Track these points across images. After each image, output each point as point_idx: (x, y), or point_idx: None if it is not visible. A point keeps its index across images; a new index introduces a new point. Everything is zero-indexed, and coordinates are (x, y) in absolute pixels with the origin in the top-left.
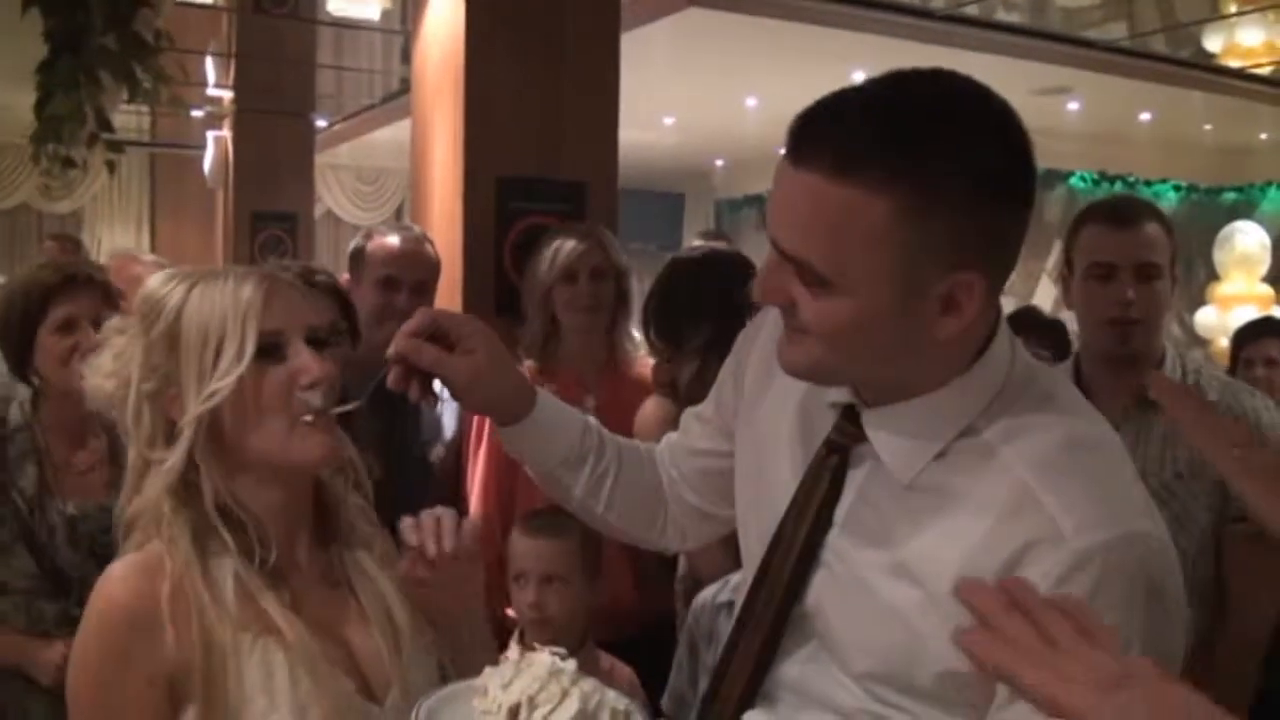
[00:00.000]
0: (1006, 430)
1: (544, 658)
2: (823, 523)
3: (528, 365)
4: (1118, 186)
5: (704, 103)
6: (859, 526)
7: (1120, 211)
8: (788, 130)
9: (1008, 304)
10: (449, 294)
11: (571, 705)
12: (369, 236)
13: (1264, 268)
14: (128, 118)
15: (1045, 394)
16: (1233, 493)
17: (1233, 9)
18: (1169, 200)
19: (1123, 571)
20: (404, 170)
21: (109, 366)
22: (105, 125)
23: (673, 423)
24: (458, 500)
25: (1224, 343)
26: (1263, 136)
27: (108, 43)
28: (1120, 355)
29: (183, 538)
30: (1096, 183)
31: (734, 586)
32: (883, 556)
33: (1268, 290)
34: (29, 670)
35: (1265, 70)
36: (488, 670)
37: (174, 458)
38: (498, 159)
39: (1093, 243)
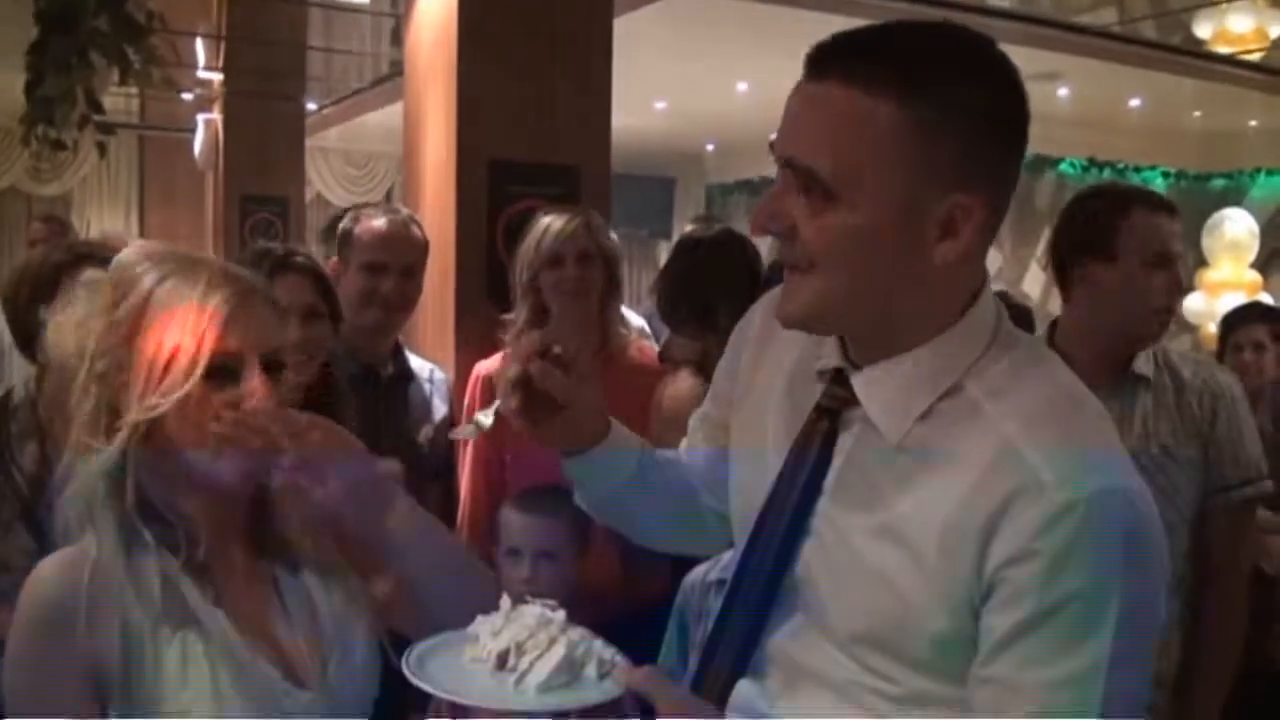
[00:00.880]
0: (992, 388)
1: (534, 608)
2: (811, 490)
3: (510, 344)
4: (1107, 173)
5: (695, 87)
6: (847, 492)
7: (1165, 200)
8: (805, 56)
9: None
10: (441, 278)
11: (558, 652)
12: (356, 219)
13: (1252, 254)
14: (117, 100)
15: (1029, 354)
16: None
17: None
18: (1158, 186)
19: (1104, 523)
20: (394, 154)
21: (72, 323)
22: (96, 107)
23: (702, 399)
24: (448, 480)
25: (1212, 328)
26: (1252, 123)
27: (100, 24)
28: (1152, 339)
29: (109, 529)
30: (1086, 169)
31: (724, 565)
32: (869, 520)
33: (1256, 276)
34: None
35: (1255, 57)
36: (479, 619)
37: (106, 456)
38: (490, 143)
39: (1151, 231)
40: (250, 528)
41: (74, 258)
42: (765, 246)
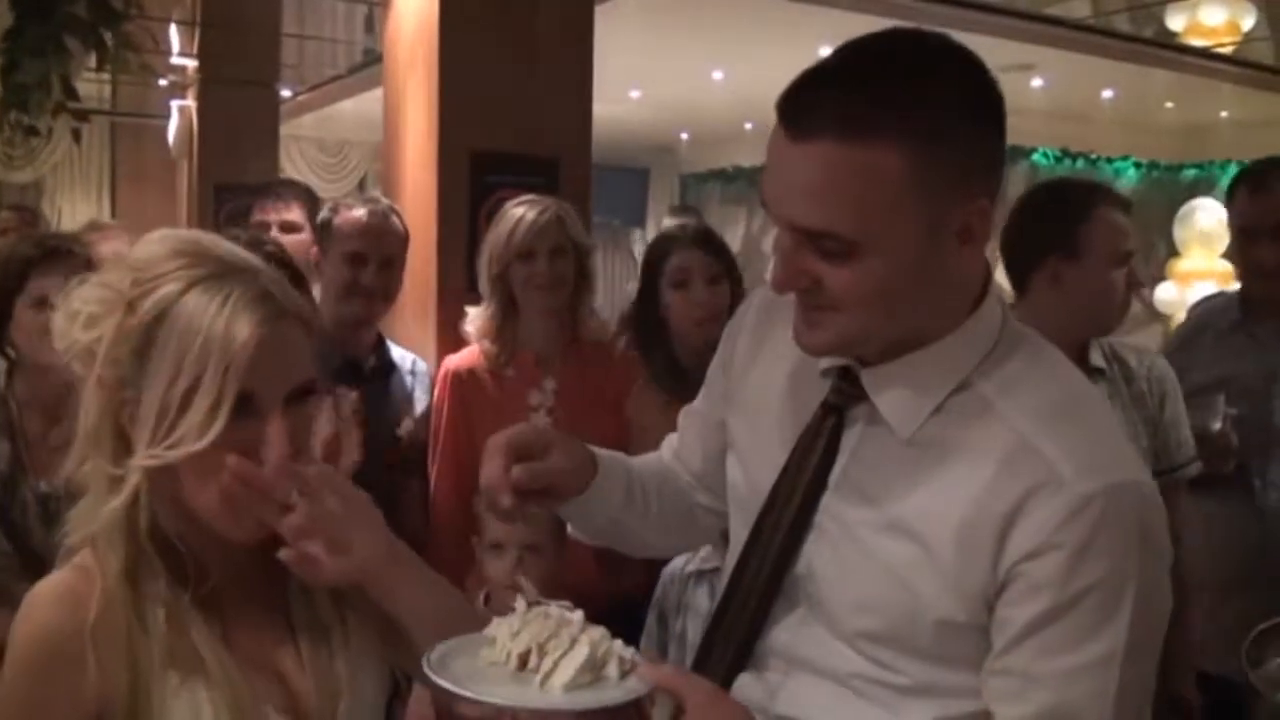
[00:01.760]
0: (1002, 384)
1: (552, 609)
2: (817, 486)
3: (482, 346)
4: (1080, 164)
5: (670, 76)
6: (853, 487)
7: (1123, 197)
8: (777, 108)
9: None
10: (423, 269)
11: (581, 651)
12: (336, 210)
13: (1223, 244)
14: (89, 86)
15: (1036, 350)
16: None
17: None
18: (1130, 177)
19: (1119, 515)
20: (367, 142)
21: (74, 324)
22: (71, 94)
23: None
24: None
25: (1182, 317)
26: (1223, 115)
27: (76, 10)
28: (1108, 332)
29: (115, 560)
30: (1059, 159)
31: (703, 557)
32: (878, 515)
33: (1227, 266)
34: None
35: (1227, 49)
36: (495, 620)
37: (112, 503)
38: (471, 133)
39: (1114, 230)
40: (265, 566)
41: (44, 252)
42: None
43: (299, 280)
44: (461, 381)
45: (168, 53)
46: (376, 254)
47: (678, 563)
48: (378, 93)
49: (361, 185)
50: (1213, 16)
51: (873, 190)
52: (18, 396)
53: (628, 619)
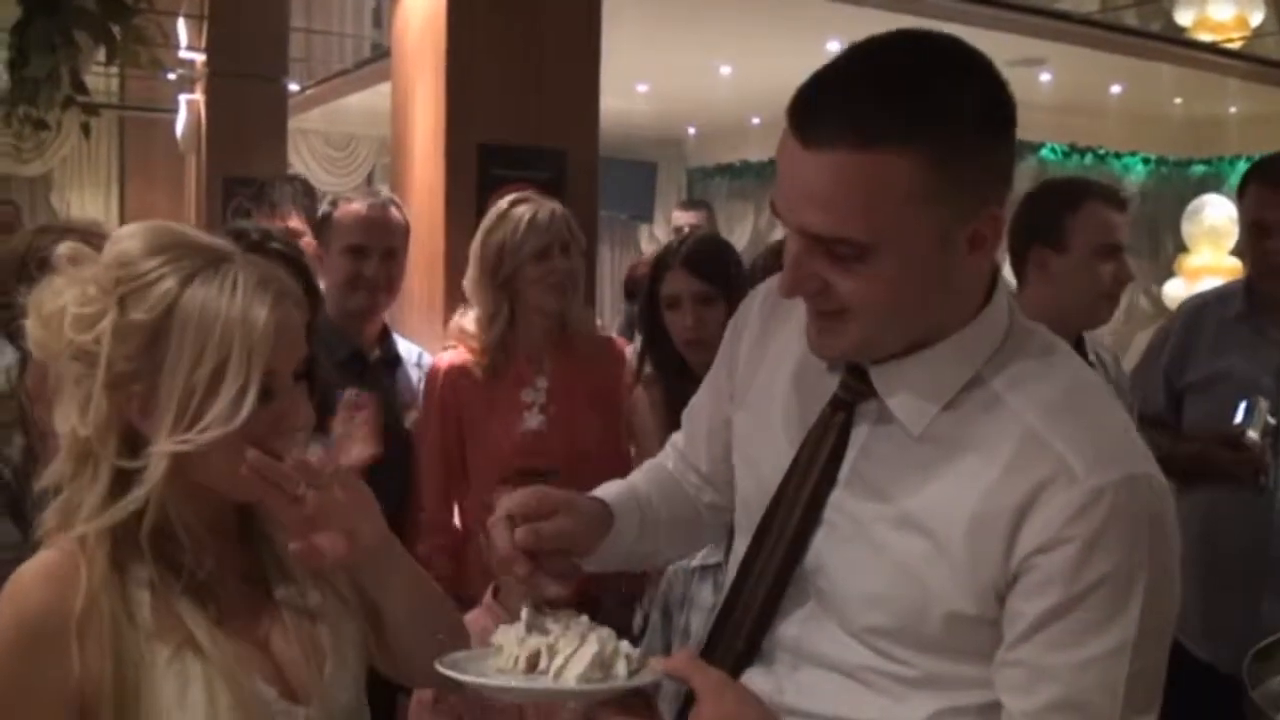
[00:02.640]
0: (1012, 379)
1: (558, 613)
2: (826, 481)
3: (475, 353)
4: (1088, 159)
5: (678, 70)
6: (863, 482)
7: (1116, 193)
8: (788, 114)
9: None
10: (430, 262)
11: (590, 649)
12: (335, 204)
13: (1231, 240)
14: (97, 80)
15: (1045, 344)
16: None
17: None
18: (1138, 173)
19: (1130, 508)
20: (375, 136)
21: (61, 326)
22: (80, 87)
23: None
24: None
25: None
26: (1232, 110)
27: (85, 3)
28: (1099, 323)
29: (103, 547)
30: (1067, 155)
31: (706, 552)
32: (888, 509)
33: (1235, 262)
34: None
35: (1235, 44)
36: (500, 628)
37: (138, 491)
38: (479, 126)
39: (1100, 223)
40: (244, 537)
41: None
42: (745, 234)
43: (308, 275)
44: (454, 380)
45: (176, 47)
46: (378, 246)
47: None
48: (386, 87)
49: (369, 179)
50: (1221, 11)
51: (886, 197)
52: (29, 389)
53: (619, 607)
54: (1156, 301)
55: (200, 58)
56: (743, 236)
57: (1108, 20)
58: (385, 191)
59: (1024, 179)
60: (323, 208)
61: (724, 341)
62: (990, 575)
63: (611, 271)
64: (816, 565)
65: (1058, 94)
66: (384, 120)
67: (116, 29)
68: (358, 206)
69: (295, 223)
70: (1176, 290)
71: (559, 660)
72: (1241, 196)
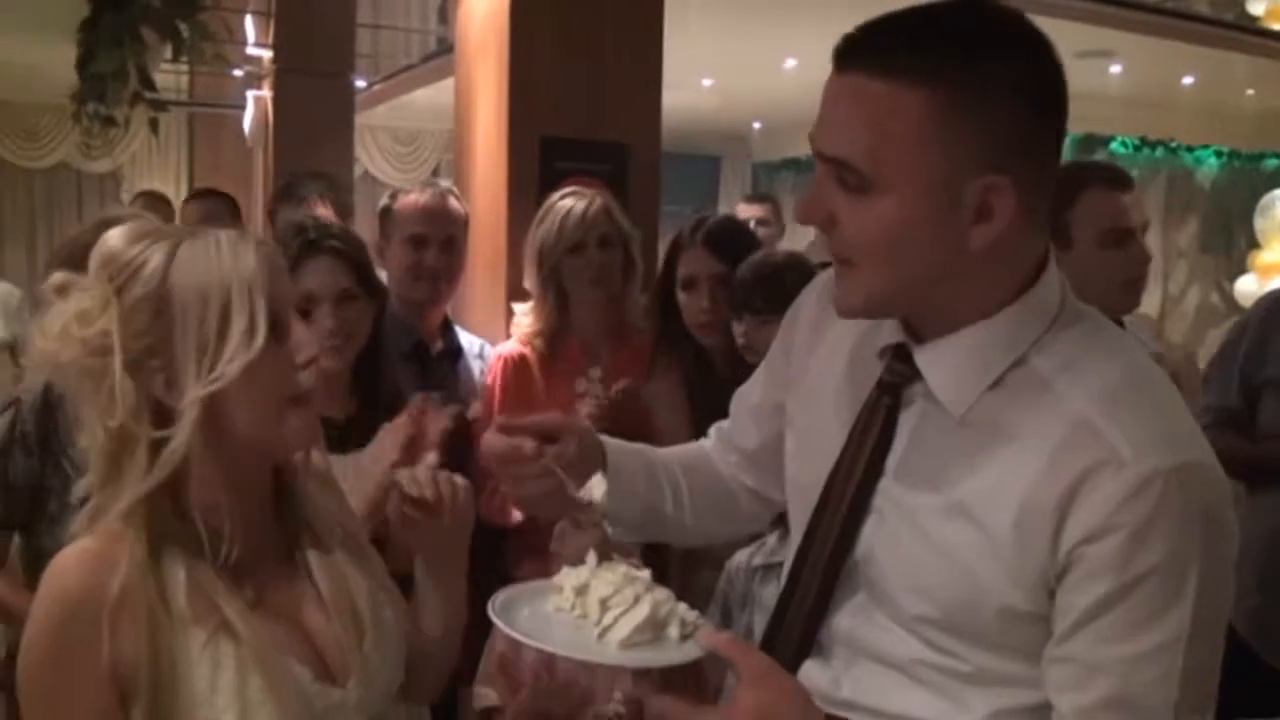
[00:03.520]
0: (1061, 362)
1: (620, 565)
2: (874, 470)
3: (533, 344)
4: (1159, 152)
5: (743, 64)
6: (911, 471)
7: (1118, 173)
8: (833, 52)
9: None
10: (493, 255)
11: (643, 610)
12: (395, 196)
13: None
14: (166, 77)
15: (1097, 329)
16: None
17: None
18: (1210, 166)
19: (1181, 496)
20: (440, 131)
21: (69, 330)
22: (148, 84)
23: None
24: None
25: None
26: None
27: (152, 1)
28: (1125, 312)
29: (140, 534)
30: (1138, 148)
31: (770, 549)
32: (938, 499)
33: None
34: None
35: None
36: (564, 570)
37: (177, 440)
38: (541, 119)
39: (1101, 211)
40: (278, 516)
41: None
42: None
43: (367, 270)
44: (513, 370)
45: (243, 43)
46: (437, 235)
47: (741, 556)
48: (450, 82)
49: (435, 173)
50: None
51: (892, 126)
52: None
53: None
54: (1229, 298)
55: (267, 54)
56: (808, 231)
57: (1179, 9)
58: (445, 183)
59: None
60: (383, 201)
61: (781, 328)
62: (1039, 567)
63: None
64: (867, 555)
65: (1128, 86)
66: (448, 115)
67: (183, 26)
68: (416, 197)
69: (322, 210)
70: (1249, 287)
71: (609, 617)
72: None
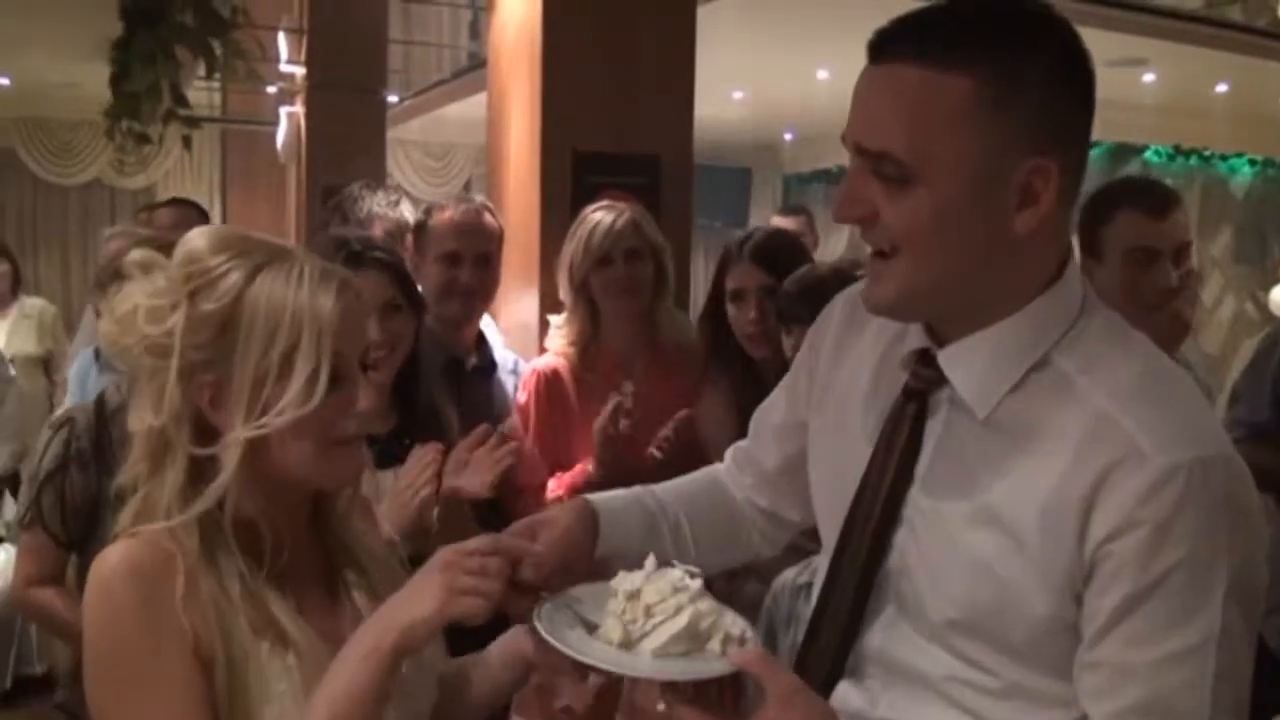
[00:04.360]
0: (1083, 361)
1: (674, 572)
2: (903, 480)
3: (566, 355)
4: (1193, 160)
5: (774, 76)
6: (939, 479)
7: (1158, 196)
8: (867, 46)
9: None
10: (526, 269)
11: (681, 620)
12: (429, 212)
13: None
14: (199, 94)
15: (1118, 328)
16: None
17: None
18: (1244, 175)
19: (1205, 490)
20: (472, 145)
21: (136, 320)
22: (181, 101)
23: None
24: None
25: None
26: None
27: (186, 19)
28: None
29: (192, 538)
30: (1172, 157)
31: (814, 568)
32: (966, 505)
33: None
34: None
35: None
36: (621, 574)
37: (221, 478)
38: (574, 132)
39: (1132, 231)
40: (315, 533)
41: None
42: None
43: (409, 283)
44: (546, 384)
45: (276, 60)
46: (471, 251)
47: (789, 574)
48: (482, 97)
49: (467, 188)
50: None
51: (935, 114)
52: None
53: None
54: (1263, 308)
55: (300, 71)
56: (839, 243)
57: (1212, 16)
58: (479, 198)
59: None
60: (418, 216)
61: (803, 347)
62: (1066, 570)
63: (705, 278)
64: (899, 567)
65: (1162, 94)
66: (480, 129)
67: (216, 44)
68: (451, 213)
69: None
70: None
71: (649, 625)
72: None
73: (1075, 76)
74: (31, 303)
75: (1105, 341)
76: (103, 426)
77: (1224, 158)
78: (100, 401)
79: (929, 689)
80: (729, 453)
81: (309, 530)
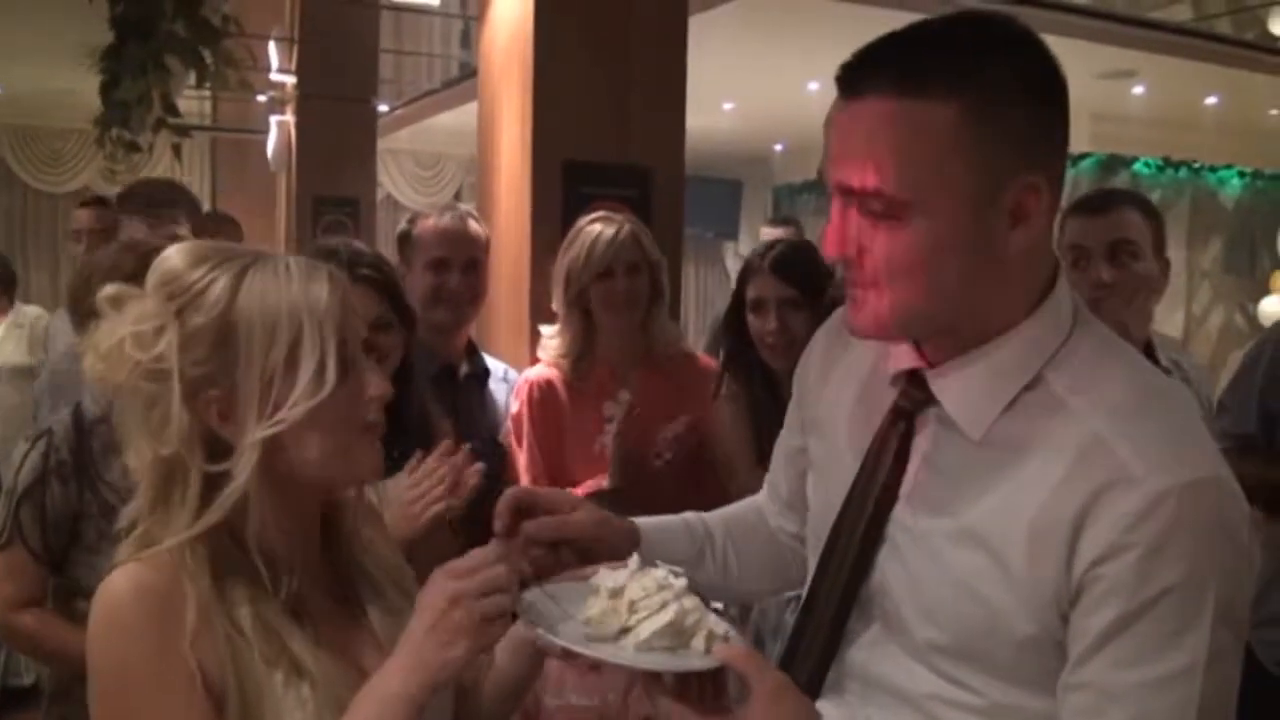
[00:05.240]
0: (1075, 381)
1: (658, 571)
2: (888, 497)
3: (559, 366)
4: (1182, 173)
5: (765, 87)
6: (924, 496)
7: (1093, 200)
8: (836, 79)
9: None
10: (516, 279)
11: (666, 615)
12: (414, 221)
13: None
14: (189, 102)
15: (1110, 345)
16: None
17: None
18: (1233, 187)
19: (1196, 514)
20: (462, 155)
21: (123, 351)
22: (171, 110)
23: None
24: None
25: None
26: None
27: (176, 28)
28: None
29: (204, 561)
30: (1161, 169)
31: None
32: (949, 524)
33: None
34: None
35: None
36: (603, 571)
37: (236, 482)
38: (565, 143)
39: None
40: (329, 553)
41: (144, 266)
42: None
43: (399, 297)
44: (539, 394)
45: (267, 69)
46: (458, 258)
47: None
48: (473, 107)
49: (457, 197)
50: None
51: (921, 144)
52: (119, 416)
53: None
54: (1252, 320)
55: (291, 80)
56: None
57: (1201, 29)
58: (464, 206)
59: None
60: (402, 225)
61: (794, 382)
62: (1052, 590)
63: (696, 289)
64: (881, 585)
65: (1151, 107)
66: (471, 139)
67: (207, 53)
68: (436, 221)
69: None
70: (1273, 308)
71: (634, 619)
72: None
73: (1051, 86)
74: (27, 311)
75: (1097, 358)
76: (82, 436)
77: (1213, 169)
78: (78, 412)
79: (910, 706)
80: (766, 479)
81: (322, 550)
